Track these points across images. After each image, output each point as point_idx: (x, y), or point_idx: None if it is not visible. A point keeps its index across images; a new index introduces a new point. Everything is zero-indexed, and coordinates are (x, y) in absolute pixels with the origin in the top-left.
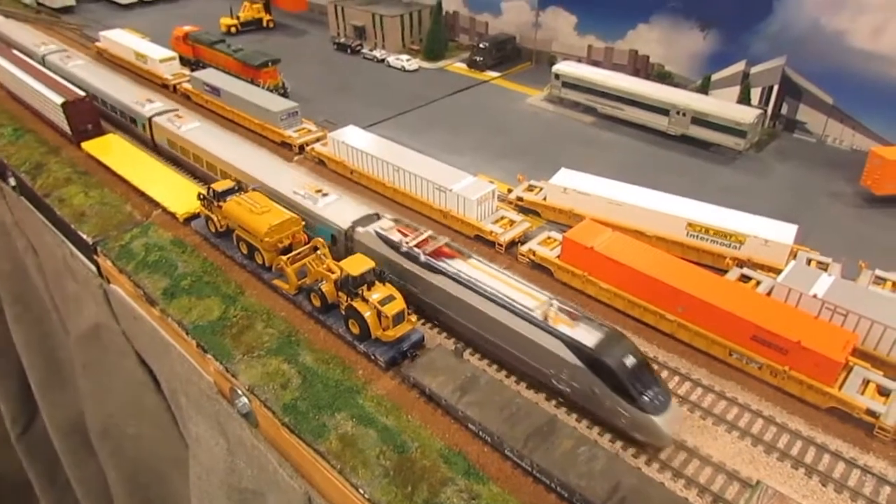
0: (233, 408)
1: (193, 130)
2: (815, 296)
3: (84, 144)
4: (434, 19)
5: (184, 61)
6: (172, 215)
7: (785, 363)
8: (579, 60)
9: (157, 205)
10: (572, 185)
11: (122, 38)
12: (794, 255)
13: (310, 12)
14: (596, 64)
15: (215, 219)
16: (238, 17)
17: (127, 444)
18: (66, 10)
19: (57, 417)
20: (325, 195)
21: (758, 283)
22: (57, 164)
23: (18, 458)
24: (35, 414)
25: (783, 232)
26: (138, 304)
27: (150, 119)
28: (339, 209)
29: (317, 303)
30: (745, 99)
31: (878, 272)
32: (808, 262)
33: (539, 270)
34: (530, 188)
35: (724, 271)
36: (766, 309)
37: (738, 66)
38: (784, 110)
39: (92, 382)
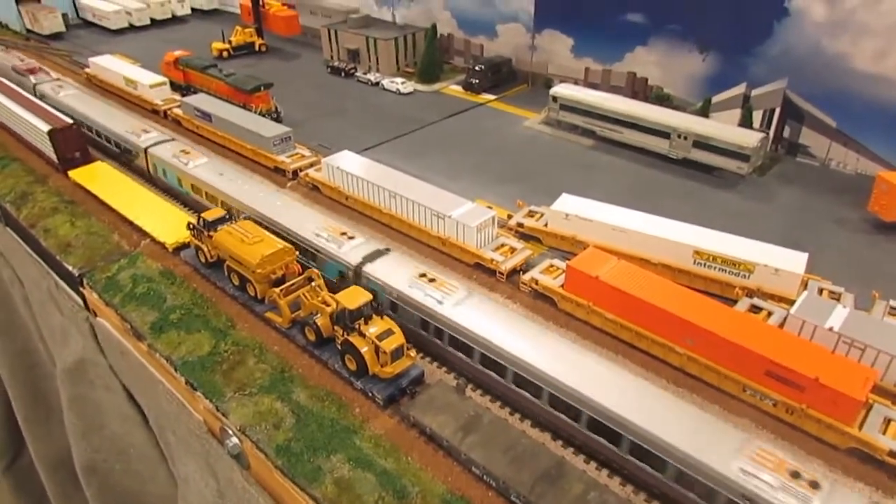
0: (223, 448)
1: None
2: (830, 329)
3: (71, 173)
4: (429, 42)
5: (175, 86)
6: (161, 245)
7: (802, 401)
8: (576, 83)
9: (145, 234)
10: (574, 210)
11: (112, 64)
12: (804, 284)
13: (303, 36)
14: (593, 86)
15: (205, 249)
16: (230, 42)
17: (114, 480)
18: (56, 36)
19: (43, 451)
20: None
21: (769, 314)
22: (43, 193)
23: (5, 492)
24: (22, 447)
25: (794, 261)
26: (125, 339)
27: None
28: None
29: (311, 337)
30: (746, 122)
31: (893, 303)
32: (820, 291)
33: (542, 300)
34: (531, 214)
35: (732, 301)
36: (780, 343)
37: (739, 89)
38: (786, 133)
39: (78, 417)
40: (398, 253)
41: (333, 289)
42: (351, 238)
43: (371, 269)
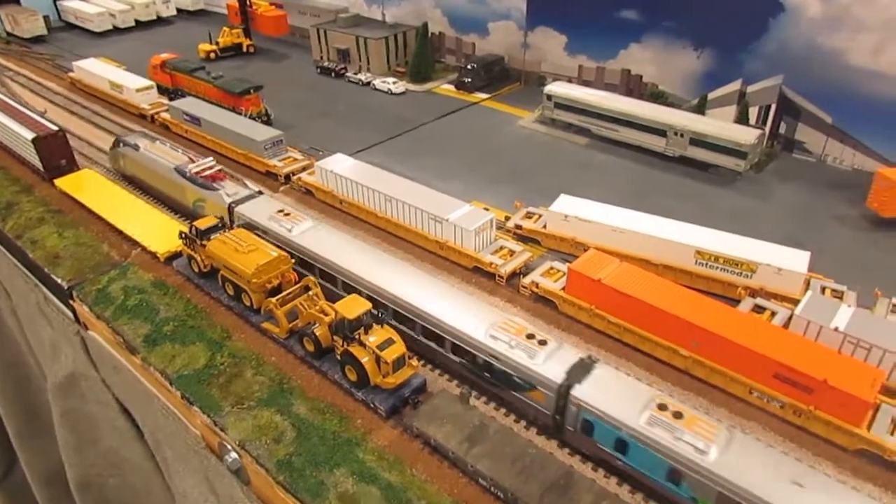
0: (222, 463)
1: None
2: (836, 329)
3: (58, 181)
4: (420, 41)
5: (161, 90)
6: (153, 255)
7: (810, 403)
8: (570, 80)
9: (135, 244)
10: (573, 211)
11: (97, 68)
12: (807, 283)
13: (291, 36)
14: (587, 84)
15: (199, 258)
16: (217, 43)
17: (109, 495)
18: (38, 39)
19: (36, 466)
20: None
21: (772, 314)
22: (29, 203)
23: None
24: (13, 461)
25: (796, 259)
26: (118, 353)
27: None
28: None
29: (310, 347)
30: (742, 119)
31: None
32: (823, 290)
33: (542, 303)
34: (528, 215)
35: (734, 301)
36: (786, 344)
37: (734, 86)
38: (782, 130)
39: (70, 432)
40: None
41: None
42: None
43: None
